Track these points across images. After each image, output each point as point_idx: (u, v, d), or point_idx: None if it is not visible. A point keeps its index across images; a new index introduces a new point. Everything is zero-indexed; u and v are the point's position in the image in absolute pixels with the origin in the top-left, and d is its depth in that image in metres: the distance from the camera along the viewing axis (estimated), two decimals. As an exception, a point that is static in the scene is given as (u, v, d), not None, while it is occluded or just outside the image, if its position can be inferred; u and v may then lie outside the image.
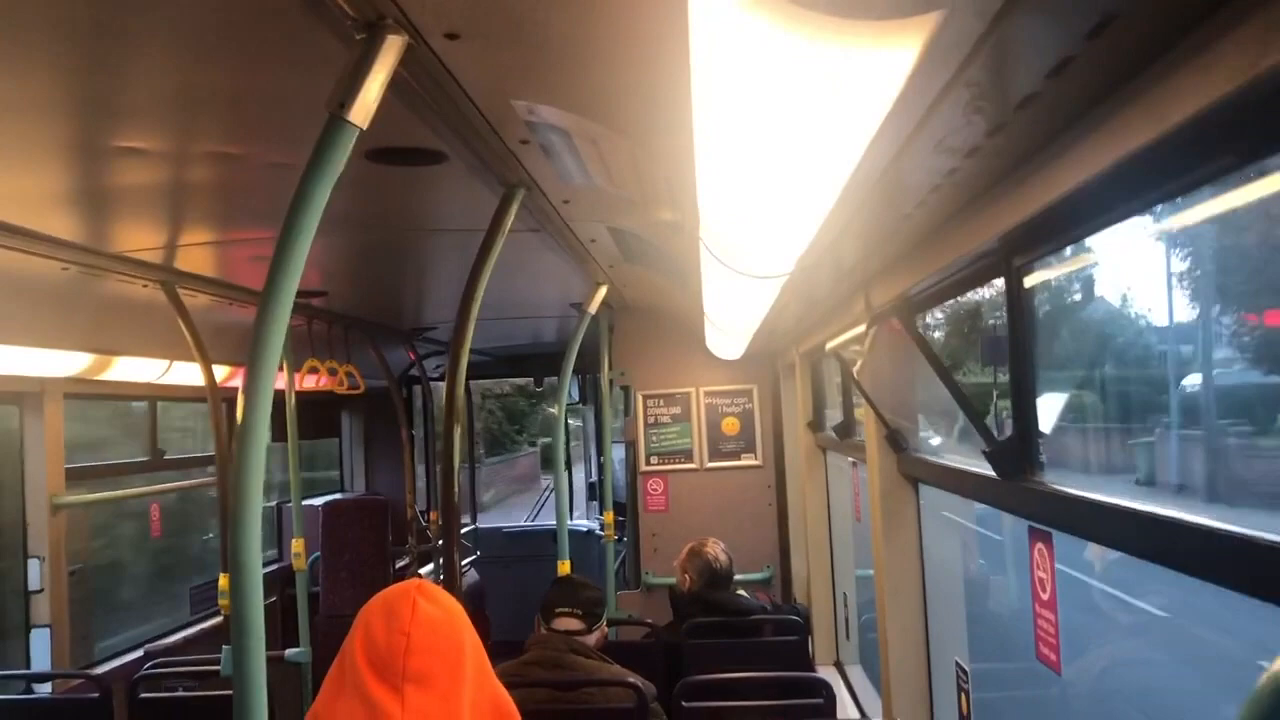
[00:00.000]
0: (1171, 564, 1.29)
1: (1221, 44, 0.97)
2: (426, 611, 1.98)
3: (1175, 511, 1.30)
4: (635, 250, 3.86)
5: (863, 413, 3.57)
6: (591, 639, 3.31)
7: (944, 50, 1.03)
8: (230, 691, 1.57)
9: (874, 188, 1.57)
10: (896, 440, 3.00)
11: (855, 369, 3.08)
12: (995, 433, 1.96)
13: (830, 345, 3.44)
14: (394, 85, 1.63)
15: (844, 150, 1.31)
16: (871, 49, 0.97)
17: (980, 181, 1.61)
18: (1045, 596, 1.92)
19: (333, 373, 5.57)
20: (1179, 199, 1.37)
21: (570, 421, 10.19)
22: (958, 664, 2.77)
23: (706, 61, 1.15)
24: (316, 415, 7.37)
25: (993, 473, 1.99)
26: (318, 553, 6.68)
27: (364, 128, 1.59)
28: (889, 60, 1.01)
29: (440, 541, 7.11)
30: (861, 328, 2.83)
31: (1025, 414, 1.85)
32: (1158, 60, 1.10)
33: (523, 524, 10.51)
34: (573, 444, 10.41)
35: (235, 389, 1.62)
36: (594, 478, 9.71)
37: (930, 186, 1.64)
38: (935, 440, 3.18)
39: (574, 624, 3.29)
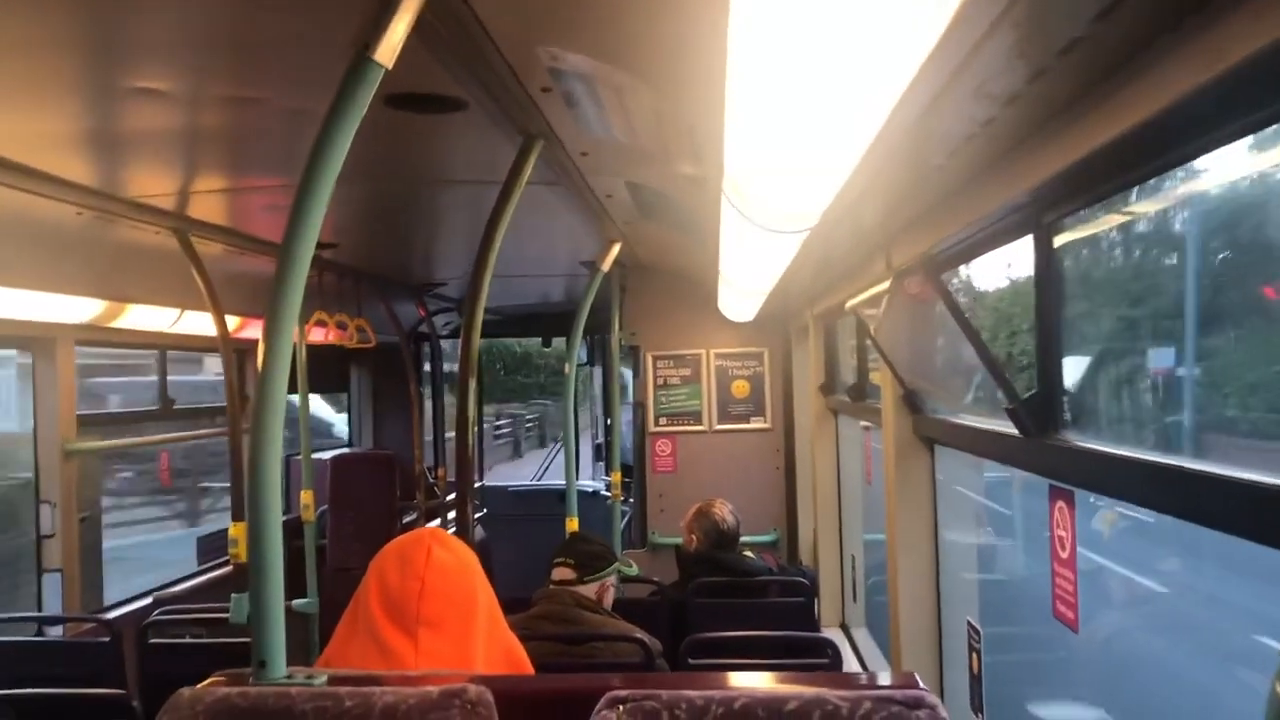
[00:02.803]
0: (1207, 521, 1.26)
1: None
2: (440, 558, 1.99)
3: (1210, 465, 1.26)
4: (652, 206, 3.83)
5: (878, 375, 3.55)
6: (589, 590, 3.32)
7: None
8: (238, 639, 1.57)
9: (908, 134, 1.54)
10: (914, 400, 2.98)
11: (873, 329, 3.05)
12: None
13: (850, 304, 3.41)
14: (418, 28, 1.61)
15: (882, 94, 1.28)
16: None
17: (1015, 132, 1.58)
18: (1064, 555, 1.91)
19: (342, 326, 5.54)
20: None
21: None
22: (969, 624, 2.77)
23: (745, 3, 1.12)
24: (326, 369, 7.37)
25: (1014, 431, 1.97)
26: (325, 506, 6.70)
27: (389, 68, 1.57)
28: (937, -5, 0.98)
29: (451, 496, 7.14)
30: (885, 284, 2.81)
31: (1050, 370, 1.83)
32: (1209, 3, 1.06)
33: (529, 483, 10.53)
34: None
35: (246, 339, 1.61)
36: (600, 439, 9.70)
37: (965, 136, 1.61)
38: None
39: (566, 573, 3.31)
